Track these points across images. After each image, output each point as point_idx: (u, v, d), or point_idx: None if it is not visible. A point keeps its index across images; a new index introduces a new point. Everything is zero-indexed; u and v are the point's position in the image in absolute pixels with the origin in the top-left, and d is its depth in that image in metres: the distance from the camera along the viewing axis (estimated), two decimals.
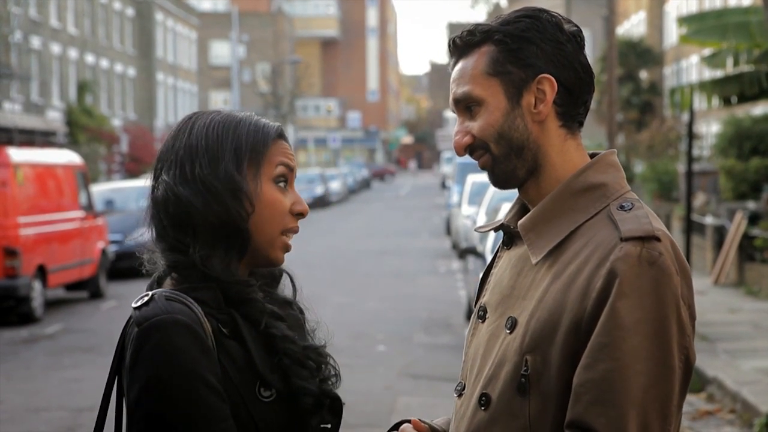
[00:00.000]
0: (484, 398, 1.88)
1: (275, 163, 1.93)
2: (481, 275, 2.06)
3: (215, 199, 1.88)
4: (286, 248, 1.95)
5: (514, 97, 1.91)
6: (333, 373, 1.97)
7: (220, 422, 1.78)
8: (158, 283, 1.93)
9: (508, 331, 1.88)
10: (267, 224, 1.91)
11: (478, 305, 2.00)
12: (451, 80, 1.98)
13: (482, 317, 1.97)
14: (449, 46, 1.98)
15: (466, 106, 1.94)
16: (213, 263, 1.87)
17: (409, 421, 2.02)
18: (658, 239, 1.80)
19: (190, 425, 1.77)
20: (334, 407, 1.95)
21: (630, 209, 1.86)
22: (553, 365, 1.80)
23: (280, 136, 1.97)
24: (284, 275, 2.04)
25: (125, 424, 1.86)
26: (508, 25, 1.93)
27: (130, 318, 1.85)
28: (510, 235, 1.99)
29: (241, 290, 1.89)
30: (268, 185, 1.92)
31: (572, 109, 1.93)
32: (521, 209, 2.01)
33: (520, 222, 1.93)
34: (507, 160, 1.92)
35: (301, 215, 1.95)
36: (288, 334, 1.91)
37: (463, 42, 1.96)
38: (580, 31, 1.95)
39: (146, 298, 1.84)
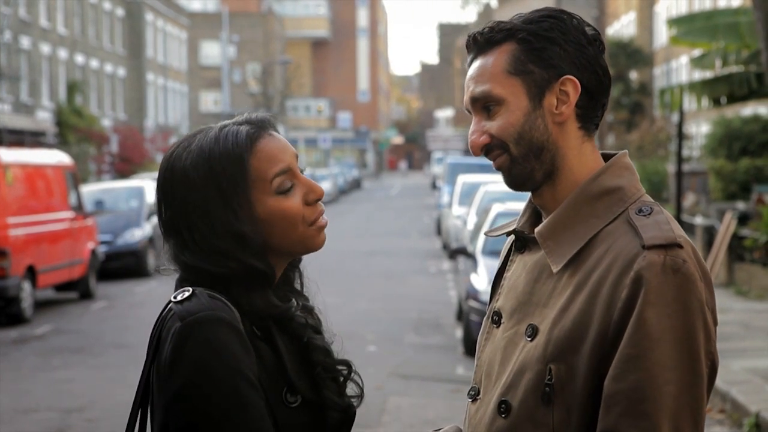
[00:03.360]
0: (503, 406, 1.85)
1: (269, 179, 1.87)
2: (492, 279, 2.05)
3: (224, 257, 1.85)
4: (321, 229, 1.93)
5: (536, 98, 1.88)
6: (357, 392, 1.97)
7: (260, 420, 1.77)
8: (188, 280, 1.89)
9: (528, 339, 1.85)
10: (288, 232, 1.89)
11: (490, 309, 1.98)
12: (468, 78, 1.93)
13: (496, 322, 1.95)
14: (468, 42, 1.94)
15: (484, 105, 1.90)
16: (254, 302, 1.86)
17: None
18: (680, 246, 1.78)
19: (232, 421, 1.75)
20: (350, 423, 1.95)
21: (649, 214, 1.83)
22: (579, 375, 1.78)
23: (255, 139, 1.88)
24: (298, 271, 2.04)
25: (152, 417, 1.84)
26: (531, 24, 1.89)
27: (169, 312, 1.81)
28: (523, 240, 1.96)
29: (283, 314, 1.89)
30: (270, 201, 1.87)
31: (591, 112, 1.91)
32: (534, 214, 1.99)
33: (537, 230, 1.90)
34: (526, 162, 1.89)
35: (317, 201, 1.91)
36: (326, 346, 1.93)
37: (484, 39, 1.91)
38: (600, 34, 1.93)
39: (187, 293, 1.81)
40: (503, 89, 1.88)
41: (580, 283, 1.82)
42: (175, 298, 1.82)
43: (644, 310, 1.74)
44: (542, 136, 1.88)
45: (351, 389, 1.96)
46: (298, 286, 2.02)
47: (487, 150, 1.91)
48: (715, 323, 1.82)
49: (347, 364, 1.96)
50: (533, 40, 1.88)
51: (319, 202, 1.92)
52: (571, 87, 1.88)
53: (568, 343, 1.80)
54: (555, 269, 1.86)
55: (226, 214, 1.84)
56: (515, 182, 1.91)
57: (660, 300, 1.74)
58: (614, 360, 1.75)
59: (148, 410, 1.87)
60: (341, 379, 1.93)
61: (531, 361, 1.83)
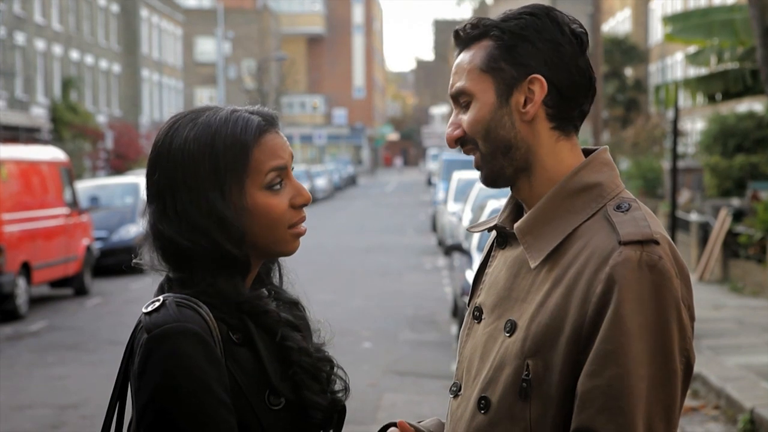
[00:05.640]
0: (483, 401, 1.86)
1: (264, 172, 1.85)
2: (474, 274, 2.04)
3: (201, 236, 1.82)
4: (298, 236, 1.91)
5: (503, 95, 1.89)
6: (342, 386, 1.96)
7: None
8: (168, 284, 1.87)
9: (507, 335, 1.85)
10: (268, 230, 1.86)
11: (472, 305, 1.98)
12: (452, 72, 1.97)
13: (477, 318, 1.95)
14: (454, 36, 1.97)
15: (461, 100, 1.93)
16: (218, 288, 1.83)
17: (395, 424, 1.99)
18: (656, 242, 1.78)
19: None
20: (339, 418, 1.95)
21: (627, 210, 1.84)
22: (555, 370, 1.79)
23: (264, 131, 1.88)
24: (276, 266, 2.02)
25: (132, 427, 1.83)
26: (507, 21, 1.90)
27: (140, 322, 1.81)
28: (504, 236, 1.97)
29: (254, 304, 1.85)
30: (258, 195, 1.85)
31: (564, 112, 1.90)
32: (515, 209, 1.99)
33: (516, 225, 1.91)
34: (494, 159, 1.90)
35: (303, 206, 1.90)
36: (303, 346, 1.89)
37: (465, 35, 1.94)
38: (586, 33, 1.91)
39: (157, 304, 1.80)
40: (474, 85, 1.90)
41: (557, 279, 1.82)
42: (146, 308, 1.80)
43: (619, 306, 1.74)
44: (508, 134, 1.89)
45: (336, 385, 1.95)
46: (276, 279, 2.00)
47: (461, 143, 1.93)
48: (692, 320, 1.84)
49: (329, 360, 1.94)
50: (506, 38, 1.89)
51: (303, 209, 1.91)
52: (538, 86, 1.88)
53: (545, 338, 1.80)
54: (533, 264, 1.86)
55: (214, 193, 1.82)
56: (487, 180, 1.93)
57: (635, 296, 1.75)
58: (589, 356, 1.75)
59: (121, 420, 1.87)
60: (324, 376, 1.91)
61: (510, 356, 1.84)
